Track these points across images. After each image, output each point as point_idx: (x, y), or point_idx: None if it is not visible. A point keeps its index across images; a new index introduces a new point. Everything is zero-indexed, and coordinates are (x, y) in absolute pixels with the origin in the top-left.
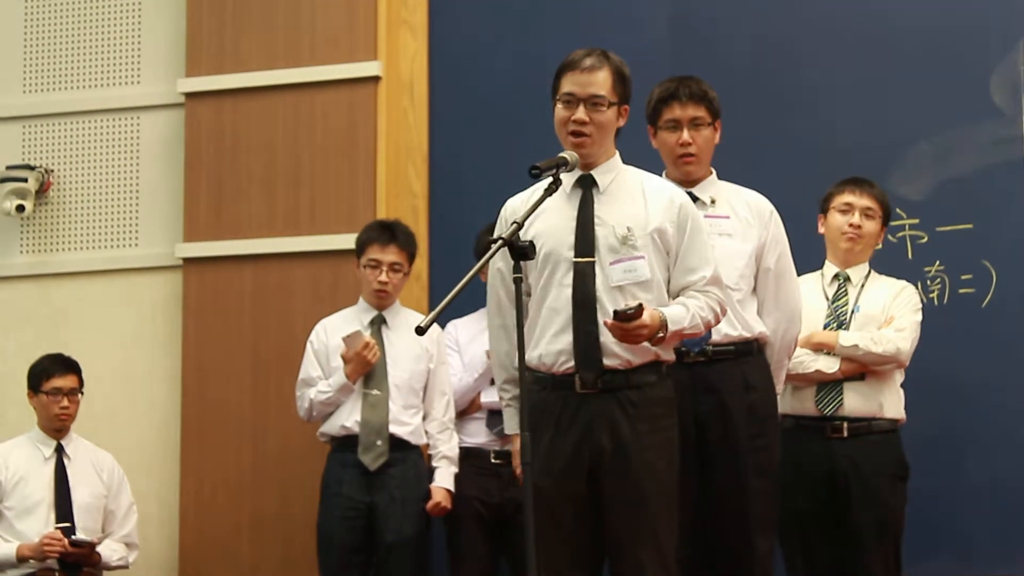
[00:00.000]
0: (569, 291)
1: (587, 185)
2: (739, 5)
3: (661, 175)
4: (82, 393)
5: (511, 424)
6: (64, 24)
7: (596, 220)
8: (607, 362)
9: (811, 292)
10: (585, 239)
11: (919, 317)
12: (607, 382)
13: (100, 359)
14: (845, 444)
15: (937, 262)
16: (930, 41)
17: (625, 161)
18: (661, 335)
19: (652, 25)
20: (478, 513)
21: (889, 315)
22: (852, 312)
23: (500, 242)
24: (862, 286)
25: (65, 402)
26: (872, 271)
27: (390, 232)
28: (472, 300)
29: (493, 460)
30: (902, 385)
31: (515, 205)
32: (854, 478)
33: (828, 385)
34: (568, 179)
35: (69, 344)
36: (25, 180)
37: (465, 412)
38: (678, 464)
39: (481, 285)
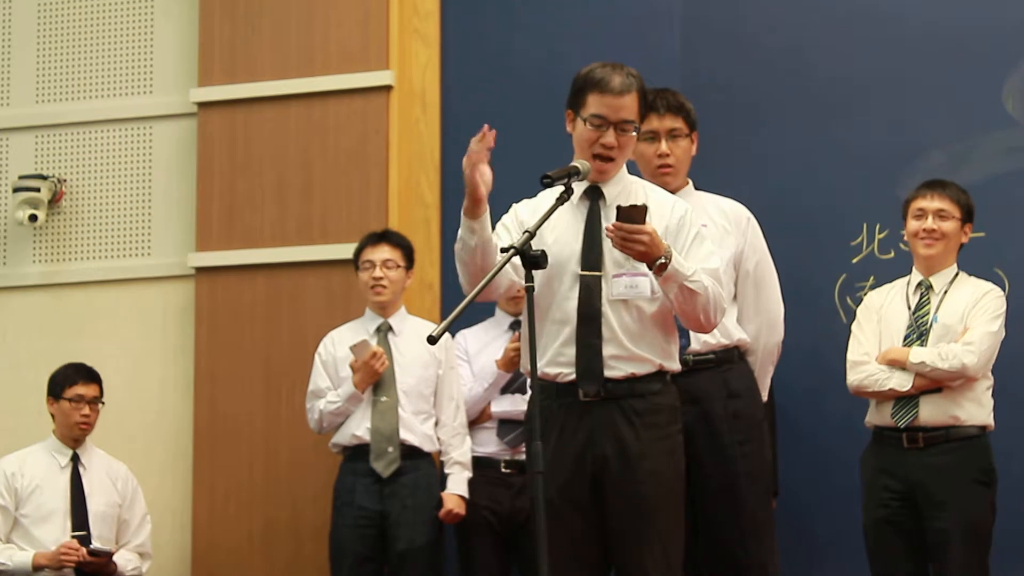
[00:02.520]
0: (575, 304)
1: (595, 197)
2: (752, 15)
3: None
4: (103, 403)
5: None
6: (77, 34)
7: (604, 233)
8: (609, 374)
9: (895, 302)
10: (592, 253)
11: (995, 327)
12: (610, 391)
13: (112, 368)
14: (922, 453)
15: None
16: (943, 50)
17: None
18: (663, 262)
19: (665, 34)
20: (489, 522)
21: (965, 325)
22: (931, 323)
23: (512, 251)
24: (945, 293)
25: (87, 410)
26: (960, 273)
27: (380, 234)
28: (482, 310)
29: (504, 470)
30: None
31: (521, 210)
32: (932, 486)
33: (904, 397)
34: (576, 190)
35: (82, 353)
36: (38, 190)
37: (475, 422)
38: (684, 470)
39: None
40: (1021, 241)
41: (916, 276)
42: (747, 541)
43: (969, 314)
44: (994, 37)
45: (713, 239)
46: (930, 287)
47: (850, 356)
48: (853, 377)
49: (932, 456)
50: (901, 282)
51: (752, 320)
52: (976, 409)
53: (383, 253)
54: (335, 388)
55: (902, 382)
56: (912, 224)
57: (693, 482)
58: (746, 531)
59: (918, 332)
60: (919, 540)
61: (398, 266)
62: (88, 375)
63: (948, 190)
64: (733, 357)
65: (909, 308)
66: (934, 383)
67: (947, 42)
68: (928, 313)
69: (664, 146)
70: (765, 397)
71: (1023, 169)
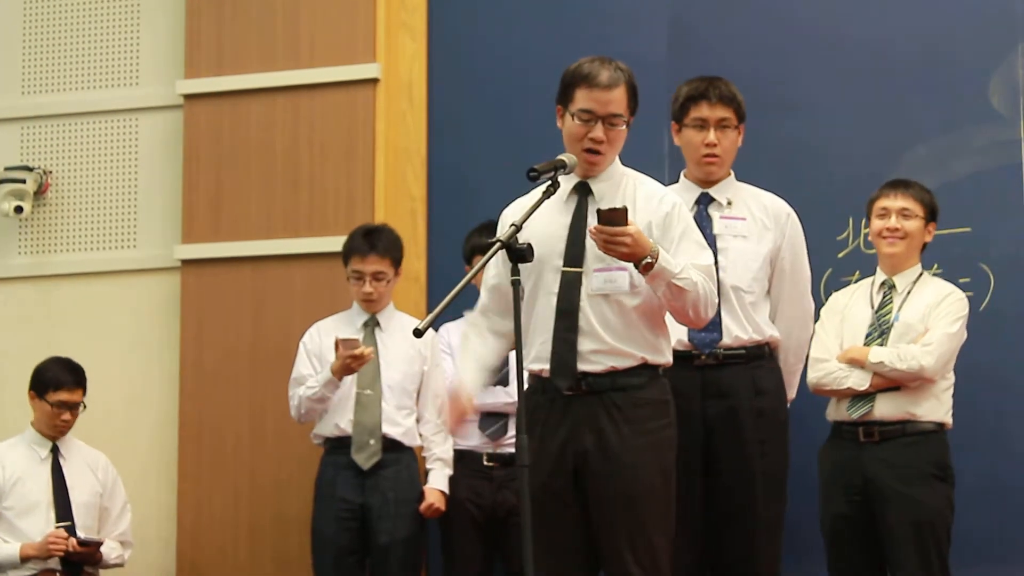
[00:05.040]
0: (555, 299)
1: (583, 193)
2: (738, 8)
3: (680, 173)
4: (84, 407)
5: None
6: (63, 25)
7: (588, 229)
8: (587, 368)
9: (860, 302)
10: (575, 248)
11: (954, 329)
12: (591, 384)
13: (98, 361)
14: (878, 448)
15: (935, 265)
16: (929, 45)
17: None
18: (649, 261)
19: (652, 28)
20: (471, 515)
21: (926, 326)
22: (893, 322)
23: (498, 244)
24: (908, 292)
25: (67, 416)
26: (924, 273)
27: (370, 242)
28: (467, 304)
29: (486, 463)
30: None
31: (509, 215)
32: (885, 480)
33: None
34: (565, 184)
35: (67, 346)
36: (23, 181)
37: None
38: (672, 465)
39: (477, 288)
40: (1006, 236)
41: (880, 276)
42: (759, 538)
43: (931, 315)
44: (980, 32)
45: (751, 233)
46: (893, 287)
47: (812, 353)
48: (813, 375)
49: (887, 451)
50: (866, 282)
51: (785, 316)
52: (933, 406)
53: (372, 265)
54: None
55: (860, 381)
56: (876, 223)
57: (710, 475)
58: (759, 528)
59: (880, 331)
60: (875, 537)
61: (387, 279)
62: (75, 381)
63: (911, 189)
64: (763, 353)
65: (872, 307)
66: (891, 382)
67: (933, 37)
68: (890, 312)
69: (712, 135)
70: (792, 395)
71: (1008, 164)
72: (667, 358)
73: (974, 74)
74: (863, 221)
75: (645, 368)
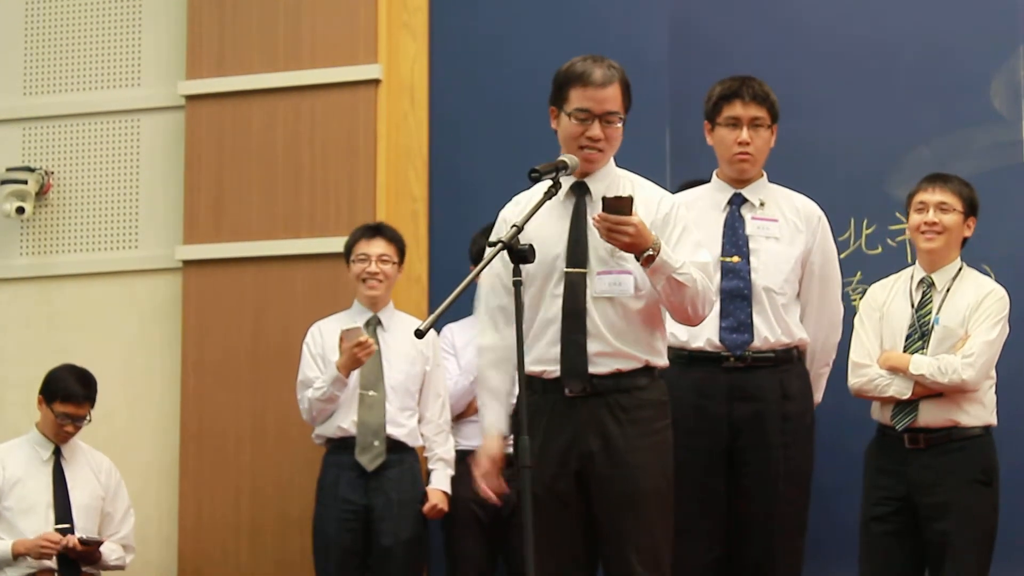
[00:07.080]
0: (560, 301)
1: (581, 193)
2: (739, 9)
3: (712, 172)
4: (89, 420)
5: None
6: (65, 26)
7: (589, 229)
8: (595, 370)
9: (898, 299)
10: (577, 249)
11: (993, 335)
12: (596, 386)
13: (100, 361)
14: (923, 454)
15: None
16: (930, 45)
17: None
18: (651, 254)
19: (653, 30)
20: (474, 515)
21: (967, 330)
22: (933, 325)
23: (500, 245)
24: (948, 290)
25: (71, 428)
26: (964, 267)
27: (375, 228)
28: (469, 304)
29: None
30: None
31: (511, 212)
32: (931, 487)
33: (904, 401)
34: (563, 185)
35: (69, 346)
36: (25, 182)
37: (462, 415)
38: (672, 465)
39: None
40: (1007, 237)
41: (919, 272)
42: (777, 541)
43: (970, 319)
44: (981, 33)
45: (783, 235)
46: (932, 284)
47: (852, 357)
48: (854, 380)
49: (933, 457)
50: (905, 275)
51: (814, 319)
52: (978, 410)
53: (378, 247)
54: None
55: (902, 389)
56: (914, 218)
57: (733, 476)
58: (777, 532)
59: (920, 332)
60: (914, 542)
61: (392, 262)
62: (85, 395)
63: (950, 183)
64: (792, 357)
65: (912, 306)
66: (933, 391)
67: (934, 38)
68: (930, 313)
69: (745, 134)
70: (819, 398)
71: (1010, 165)
72: (665, 360)
73: (975, 75)
74: (864, 222)
75: (647, 370)
